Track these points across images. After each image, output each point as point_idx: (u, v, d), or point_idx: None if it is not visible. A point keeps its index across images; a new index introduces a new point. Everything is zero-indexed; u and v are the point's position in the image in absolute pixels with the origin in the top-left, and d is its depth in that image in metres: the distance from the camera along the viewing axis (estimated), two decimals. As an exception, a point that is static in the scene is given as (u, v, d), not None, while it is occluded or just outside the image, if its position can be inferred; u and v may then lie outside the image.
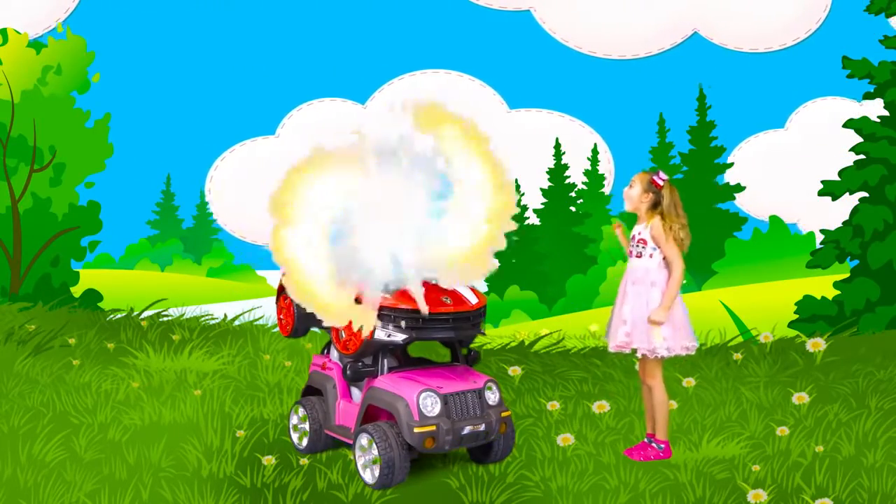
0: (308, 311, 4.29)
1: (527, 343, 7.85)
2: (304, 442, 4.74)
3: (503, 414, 4.37)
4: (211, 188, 14.74)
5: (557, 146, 13.98)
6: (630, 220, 4.72)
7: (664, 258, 4.48)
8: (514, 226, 4.41)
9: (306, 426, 4.72)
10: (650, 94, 13.51)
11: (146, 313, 9.30)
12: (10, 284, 10.51)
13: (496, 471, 4.39)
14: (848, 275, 8.99)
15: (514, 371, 6.15)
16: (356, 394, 4.60)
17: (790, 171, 13.11)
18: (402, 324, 4.19)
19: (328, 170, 4.28)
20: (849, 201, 9.00)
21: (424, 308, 4.15)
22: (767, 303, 10.83)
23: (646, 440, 4.65)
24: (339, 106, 13.46)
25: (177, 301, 9.79)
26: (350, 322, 4.21)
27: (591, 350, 7.62)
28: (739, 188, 13.50)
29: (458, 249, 4.22)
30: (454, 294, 4.33)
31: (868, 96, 9.01)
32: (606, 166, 14.12)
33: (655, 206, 4.52)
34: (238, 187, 14.40)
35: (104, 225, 11.00)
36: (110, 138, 10.98)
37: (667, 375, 4.65)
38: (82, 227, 10.91)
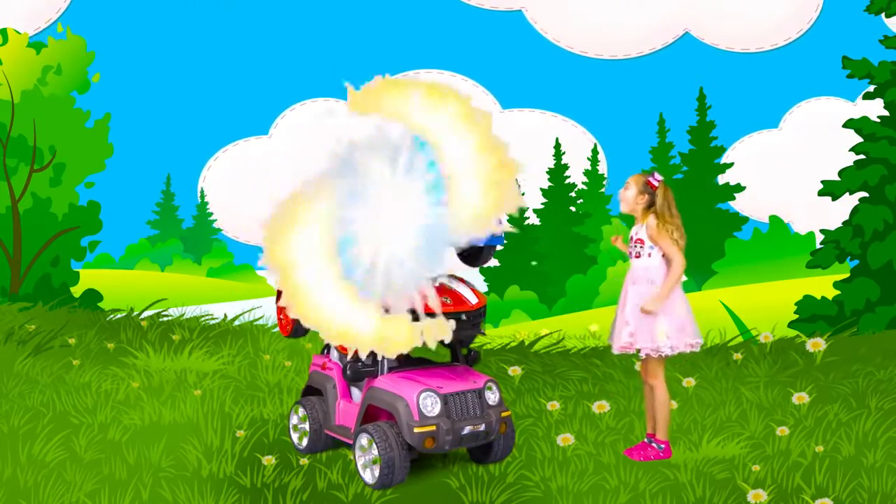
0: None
1: (527, 343, 7.85)
2: (304, 442, 4.74)
3: (503, 414, 4.37)
4: (203, 188, 14.78)
5: (557, 146, 13.98)
6: (629, 221, 4.72)
7: (664, 256, 4.49)
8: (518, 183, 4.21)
9: (306, 426, 4.72)
10: (642, 95, 13.52)
11: (146, 313, 9.30)
12: (10, 284, 10.51)
13: (496, 471, 4.39)
14: (848, 275, 8.99)
15: (514, 371, 6.15)
16: (356, 394, 4.60)
17: (784, 171, 13.12)
18: None
19: (312, 207, 4.16)
20: (845, 202, 9.00)
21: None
22: (767, 303, 10.83)
23: (646, 440, 4.65)
24: (332, 105, 13.42)
25: (177, 301, 9.80)
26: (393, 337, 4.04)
27: (591, 350, 7.62)
28: (739, 188, 13.50)
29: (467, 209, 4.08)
30: (454, 294, 4.33)
31: (868, 96, 9.01)
32: (600, 166, 14.15)
33: (651, 206, 4.53)
34: (231, 187, 14.41)
35: (104, 225, 11.00)
36: (110, 138, 10.99)
37: (667, 375, 4.65)
38: (82, 227, 10.91)
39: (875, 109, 8.94)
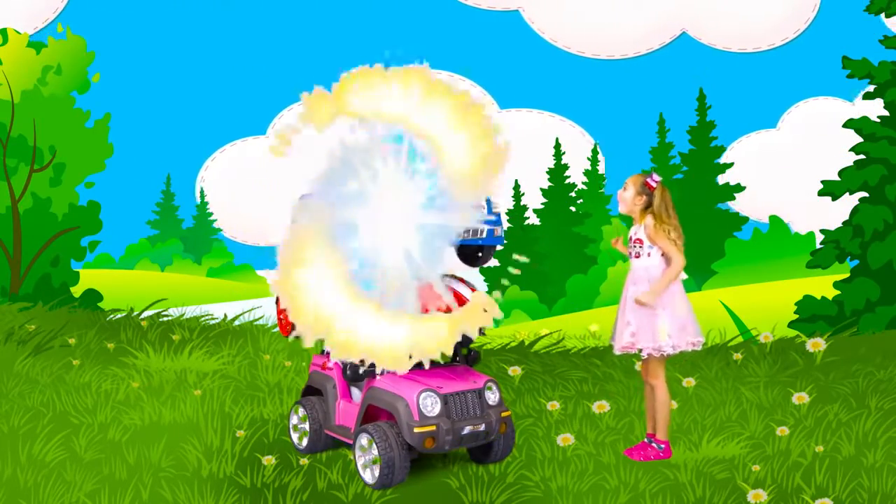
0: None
1: (527, 343, 7.85)
2: (304, 442, 4.74)
3: (503, 414, 4.37)
4: (203, 188, 14.78)
5: (557, 146, 13.98)
6: (629, 221, 4.73)
7: (663, 255, 4.49)
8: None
9: (306, 426, 4.72)
10: (639, 95, 13.52)
11: (146, 313, 9.30)
12: (10, 284, 10.51)
13: (496, 471, 4.39)
14: (848, 275, 9.00)
15: (514, 371, 6.15)
16: (356, 394, 4.60)
17: (783, 170, 13.12)
18: None
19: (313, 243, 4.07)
20: (845, 202, 9.01)
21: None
22: (767, 303, 10.83)
23: (646, 440, 4.65)
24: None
25: (177, 301, 9.79)
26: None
27: (591, 350, 7.62)
28: (739, 188, 13.50)
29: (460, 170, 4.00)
30: (454, 294, 4.33)
31: (868, 96, 9.02)
32: (599, 166, 14.16)
33: (648, 207, 4.54)
34: (228, 187, 14.42)
35: (104, 225, 11.00)
36: (110, 138, 10.99)
37: (667, 375, 4.65)
38: (82, 227, 10.91)
39: (874, 109, 8.95)
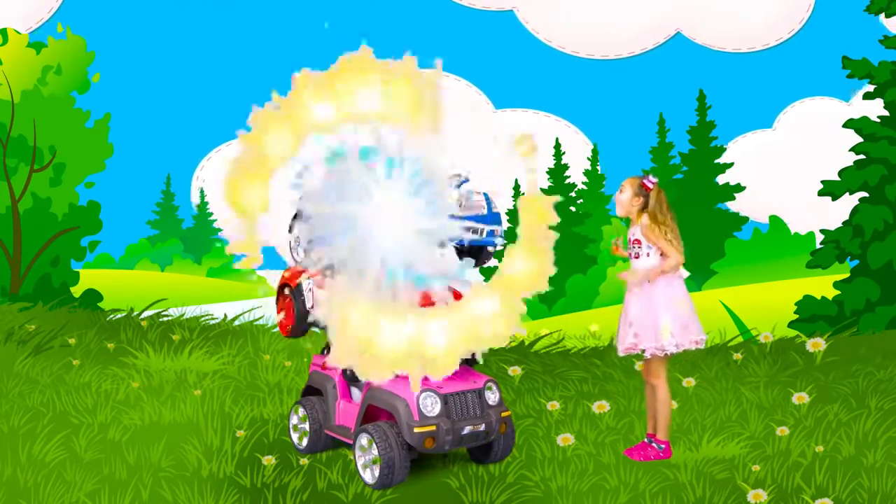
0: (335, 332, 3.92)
1: (527, 343, 7.85)
2: (304, 442, 4.74)
3: (503, 414, 4.37)
4: (200, 188, 14.79)
5: (557, 146, 13.98)
6: (628, 222, 4.73)
7: (662, 255, 4.49)
8: None
9: (306, 426, 4.72)
10: (634, 95, 13.51)
11: (146, 313, 9.30)
12: (10, 284, 10.51)
13: (496, 471, 4.39)
14: (848, 275, 9.00)
15: (514, 371, 6.15)
16: (356, 394, 4.60)
17: (780, 170, 13.11)
18: None
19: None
20: (845, 202, 9.01)
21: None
22: (767, 303, 10.83)
23: (646, 440, 4.65)
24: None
25: (177, 301, 9.80)
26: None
27: (591, 350, 7.62)
28: (739, 188, 13.49)
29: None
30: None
31: (868, 96, 9.02)
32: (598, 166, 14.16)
33: (645, 208, 4.55)
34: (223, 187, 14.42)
35: (104, 225, 11.00)
36: (110, 138, 10.99)
37: (668, 375, 4.64)
38: (82, 227, 10.91)
39: (870, 109, 8.95)
